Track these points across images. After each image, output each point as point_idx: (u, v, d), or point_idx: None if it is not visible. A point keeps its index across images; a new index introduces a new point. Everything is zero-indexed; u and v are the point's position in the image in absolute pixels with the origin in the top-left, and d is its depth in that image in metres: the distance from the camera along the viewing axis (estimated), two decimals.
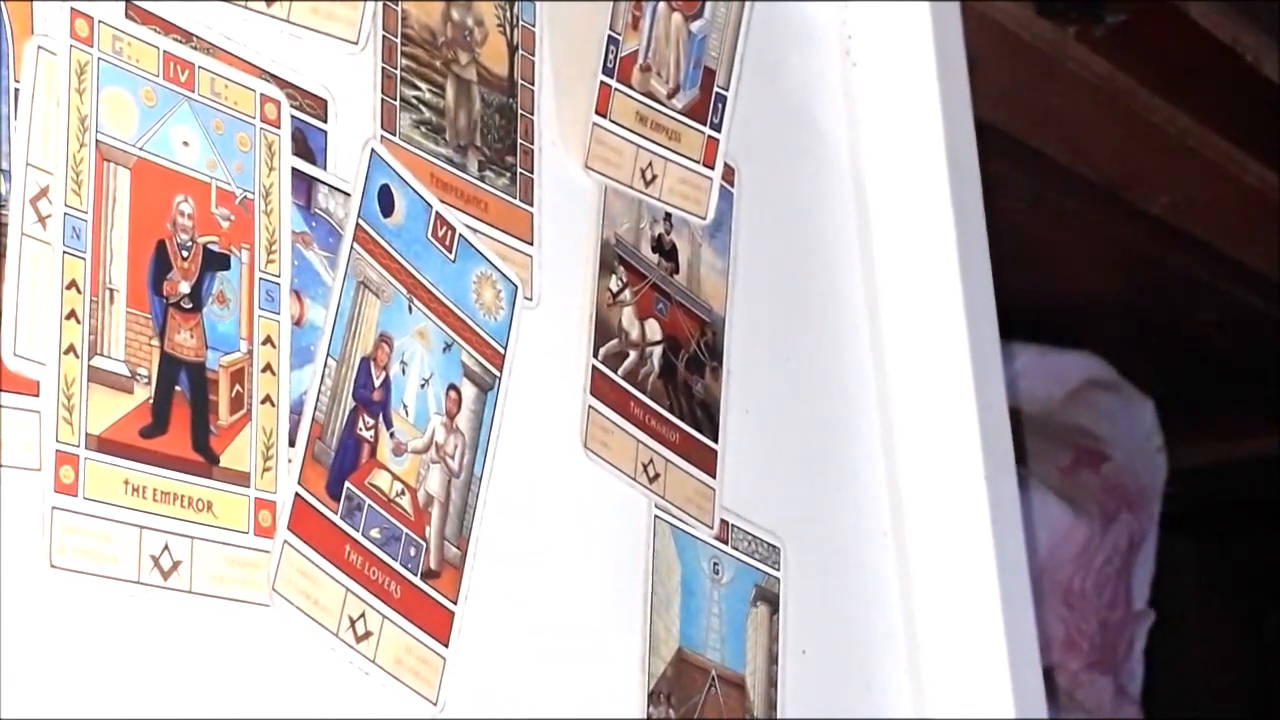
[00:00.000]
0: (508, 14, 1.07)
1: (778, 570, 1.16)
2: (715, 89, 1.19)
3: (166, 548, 0.83)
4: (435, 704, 0.93)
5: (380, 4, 0.98)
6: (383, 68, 0.98)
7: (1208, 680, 2.97)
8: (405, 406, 0.95)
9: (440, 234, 0.98)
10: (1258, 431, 2.76)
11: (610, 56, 1.12)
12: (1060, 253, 2.12)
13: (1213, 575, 3.02)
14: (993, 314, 1.30)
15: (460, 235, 1.00)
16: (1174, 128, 1.85)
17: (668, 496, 1.10)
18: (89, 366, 0.81)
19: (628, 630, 1.06)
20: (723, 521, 1.14)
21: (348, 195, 0.94)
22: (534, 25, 1.08)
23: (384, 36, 0.99)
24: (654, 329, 1.13)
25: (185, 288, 0.86)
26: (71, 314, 0.81)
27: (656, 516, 1.09)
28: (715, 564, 1.13)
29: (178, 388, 0.85)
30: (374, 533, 0.92)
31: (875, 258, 1.29)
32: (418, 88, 1.00)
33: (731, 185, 1.20)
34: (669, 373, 1.13)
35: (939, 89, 1.31)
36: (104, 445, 0.81)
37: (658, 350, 1.12)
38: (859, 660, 1.22)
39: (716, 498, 1.14)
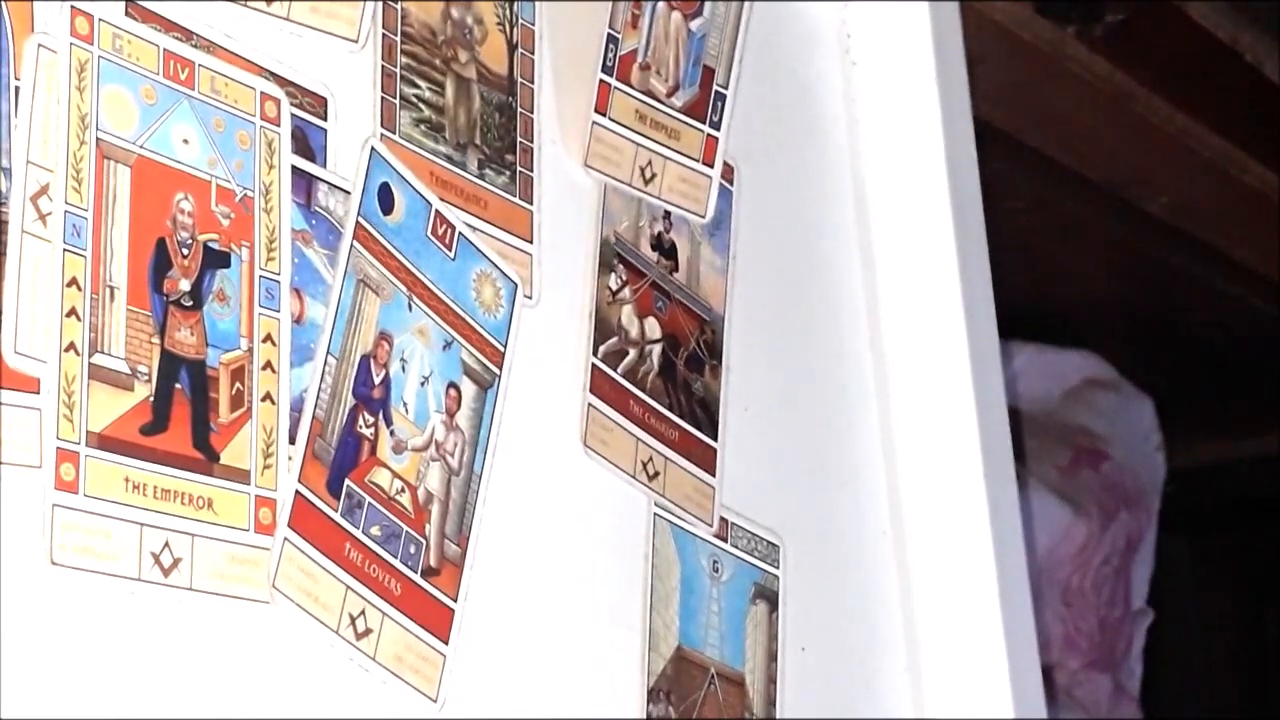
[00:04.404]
0: (507, 12, 1.07)
1: (777, 568, 1.16)
2: (715, 87, 1.19)
3: (167, 545, 0.83)
4: (435, 701, 0.93)
5: (380, 3, 0.99)
6: (382, 66, 0.99)
7: (1206, 679, 2.97)
8: (405, 404, 0.95)
9: (440, 232, 0.99)
10: (1257, 430, 2.76)
11: (610, 55, 1.12)
12: (1059, 252, 2.12)
13: (1211, 574, 3.02)
14: (992, 313, 1.31)
15: (460, 233, 1.00)
16: (1173, 127, 1.85)
17: (667, 494, 1.10)
18: (89, 364, 0.81)
19: (627, 628, 1.06)
20: (722, 519, 1.14)
21: (348, 193, 0.94)
22: (533, 24, 1.08)
23: (384, 35, 0.99)
24: (653, 327, 1.13)
25: (185, 285, 0.86)
26: (72, 311, 0.81)
27: (656, 514, 1.09)
28: (715, 562, 1.13)
29: (178, 385, 0.85)
30: (374, 530, 0.92)
31: (875, 256, 1.30)
32: (417, 86, 1.00)
33: (731, 183, 1.20)
34: (668, 371, 1.13)
35: (938, 88, 1.31)
36: (104, 443, 0.81)
37: (657, 348, 1.13)
38: (858, 658, 1.22)
39: (716, 495, 1.14)
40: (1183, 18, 1.73)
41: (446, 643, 0.94)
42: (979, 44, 1.43)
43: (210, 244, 0.87)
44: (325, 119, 0.94)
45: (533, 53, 1.08)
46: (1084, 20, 1.67)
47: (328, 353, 0.91)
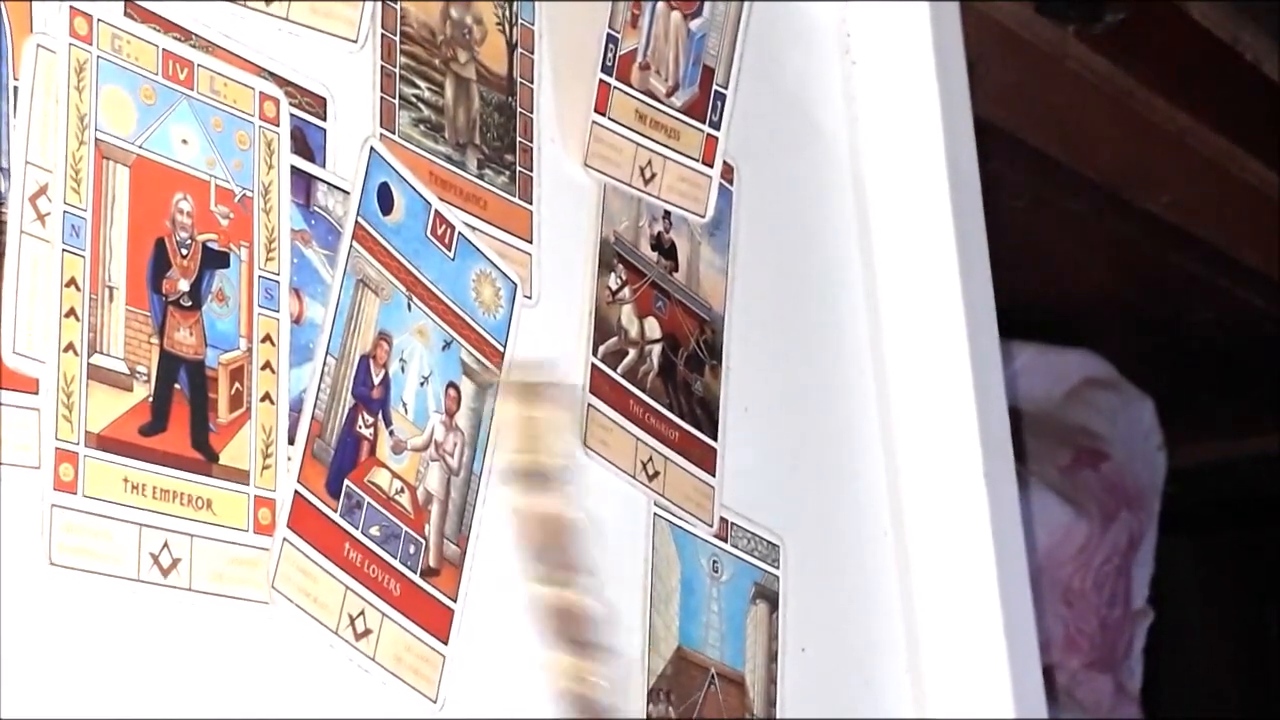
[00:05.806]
0: (507, 12, 1.07)
1: (777, 568, 1.16)
2: (714, 87, 1.19)
3: (166, 545, 0.83)
4: (435, 701, 0.93)
5: (379, 3, 0.98)
6: (382, 66, 0.99)
7: (1207, 678, 2.97)
8: (404, 404, 0.95)
9: (439, 232, 0.98)
10: (1257, 430, 2.76)
11: (609, 55, 1.12)
12: (1059, 251, 2.12)
13: (1212, 574, 3.02)
14: (992, 312, 1.31)
15: (459, 233, 1.00)
16: (1174, 126, 1.85)
17: (667, 494, 1.10)
18: (88, 364, 0.81)
19: (627, 628, 1.06)
20: (722, 519, 1.14)
21: (347, 193, 0.94)
22: (533, 24, 1.08)
23: (383, 35, 0.99)
24: (653, 327, 1.13)
25: (185, 285, 0.86)
26: (71, 312, 0.81)
27: (656, 514, 1.09)
28: (715, 562, 1.13)
29: (177, 385, 0.85)
30: (373, 530, 0.92)
31: (875, 256, 1.29)
32: (417, 86, 1.00)
33: (731, 183, 1.20)
34: (668, 371, 1.13)
35: (938, 87, 1.31)
36: (103, 443, 0.81)
37: (657, 348, 1.13)
38: (858, 658, 1.22)
39: (716, 496, 1.14)
40: (1182, 17, 1.73)
41: (446, 643, 0.94)
42: (979, 43, 1.43)
43: (209, 244, 0.87)
44: (324, 119, 0.94)
45: (532, 52, 1.08)
46: (1084, 19, 1.67)
47: (327, 353, 0.91)
